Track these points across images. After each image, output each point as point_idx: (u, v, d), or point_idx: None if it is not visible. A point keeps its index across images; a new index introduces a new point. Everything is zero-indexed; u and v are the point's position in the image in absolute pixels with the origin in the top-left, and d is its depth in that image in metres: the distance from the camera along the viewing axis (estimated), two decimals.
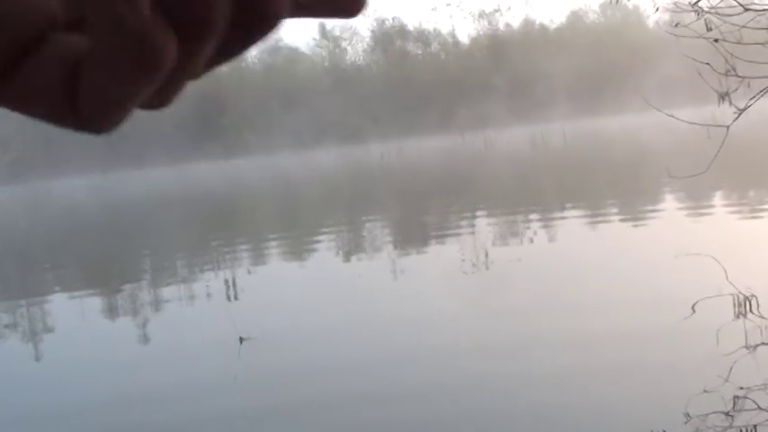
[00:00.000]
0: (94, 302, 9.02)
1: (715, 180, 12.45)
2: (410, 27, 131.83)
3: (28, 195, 54.96)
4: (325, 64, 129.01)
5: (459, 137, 72.55)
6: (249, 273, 9.74)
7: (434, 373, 4.80)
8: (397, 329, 6.00)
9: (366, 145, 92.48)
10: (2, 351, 6.96)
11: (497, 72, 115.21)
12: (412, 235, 11.86)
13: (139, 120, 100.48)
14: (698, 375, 4.29)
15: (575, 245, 9.07)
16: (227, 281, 9.20)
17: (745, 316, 5.33)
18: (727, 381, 4.16)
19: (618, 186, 15.69)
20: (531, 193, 16.23)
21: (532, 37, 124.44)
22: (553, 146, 37.99)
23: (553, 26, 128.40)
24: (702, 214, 10.53)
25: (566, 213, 11.87)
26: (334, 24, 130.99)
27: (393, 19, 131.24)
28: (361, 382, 4.79)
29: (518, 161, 29.51)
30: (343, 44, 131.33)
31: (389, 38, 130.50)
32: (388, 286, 7.93)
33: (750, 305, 5.52)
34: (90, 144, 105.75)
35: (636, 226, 10.22)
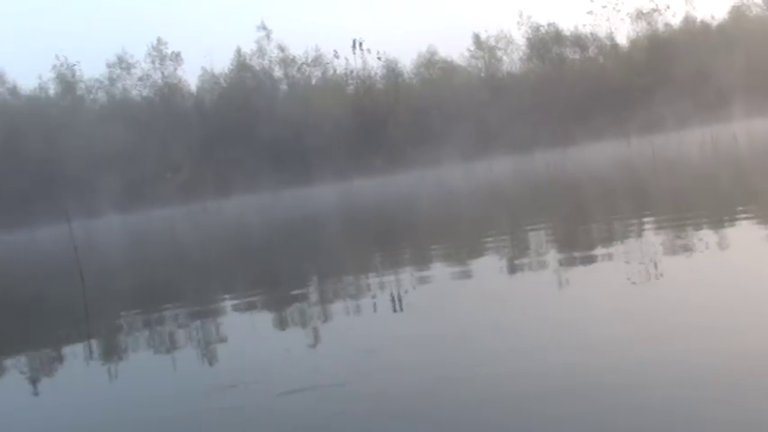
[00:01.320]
0: (260, 315, 9.18)
1: None
2: (566, 32, 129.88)
3: (195, 213, 57.06)
4: (482, 74, 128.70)
5: (625, 142, 70.88)
6: (413, 287, 9.71)
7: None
8: (565, 348, 5.81)
9: (529, 155, 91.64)
10: (176, 359, 7.14)
11: (659, 73, 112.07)
12: (578, 243, 11.57)
13: (305, 139, 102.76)
14: None
15: (759, 257, 8.58)
16: (392, 294, 9.21)
17: None
18: None
19: None
20: (706, 200, 15.61)
21: (694, 35, 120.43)
22: (725, 149, 36.57)
23: (715, 23, 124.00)
24: None
25: (745, 222, 11.31)
26: (489, 34, 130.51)
27: (548, 25, 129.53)
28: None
29: (689, 165, 28.53)
30: (499, 53, 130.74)
31: (545, 44, 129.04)
32: (553, 296, 7.73)
33: None
34: (259, 165, 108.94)
35: None
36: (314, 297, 10.06)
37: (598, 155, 56.62)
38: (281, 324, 8.40)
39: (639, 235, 11.32)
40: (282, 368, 6.28)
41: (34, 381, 7.35)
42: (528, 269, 9.62)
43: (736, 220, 11.21)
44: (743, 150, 32.59)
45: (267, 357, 6.80)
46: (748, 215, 11.55)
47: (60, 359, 8.29)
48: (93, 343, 9.04)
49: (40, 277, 21.71)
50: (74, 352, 8.63)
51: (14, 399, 6.71)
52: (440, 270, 10.73)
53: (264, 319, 8.93)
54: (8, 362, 8.56)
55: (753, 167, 22.06)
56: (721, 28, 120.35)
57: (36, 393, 6.81)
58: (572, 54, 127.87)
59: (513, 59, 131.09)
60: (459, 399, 4.71)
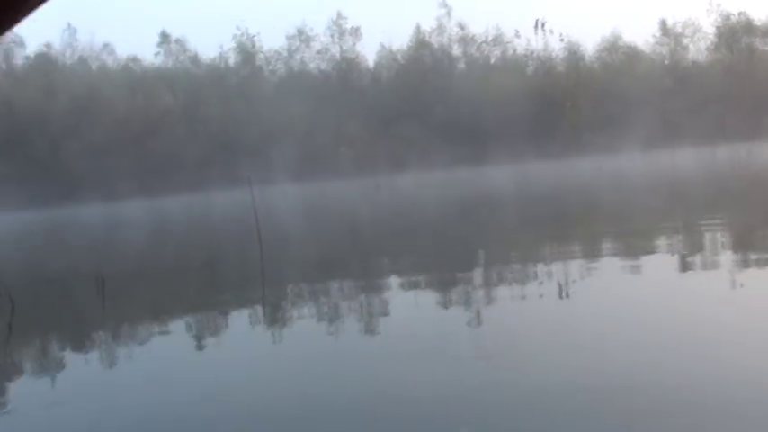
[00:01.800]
0: (425, 294, 9.37)
1: None
2: (757, 22, 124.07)
3: (368, 187, 57.92)
4: (666, 62, 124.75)
5: None
6: (581, 276, 9.68)
7: None
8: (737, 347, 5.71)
9: (713, 147, 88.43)
10: (331, 332, 7.40)
11: None
12: (753, 242, 11.21)
13: (481, 118, 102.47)
14: None
15: None
16: (559, 282, 9.21)
17: None
18: None
19: None
20: None
21: None
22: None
23: None
24: None
25: None
26: (676, 21, 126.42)
27: (739, 14, 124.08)
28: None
29: None
30: (685, 41, 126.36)
31: (735, 34, 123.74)
32: (726, 296, 7.56)
33: None
34: (433, 143, 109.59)
35: None
36: (477, 280, 10.17)
37: None
38: (444, 303, 8.56)
39: None
40: (441, 341, 6.44)
41: (203, 338, 7.79)
42: (701, 267, 9.42)
43: None
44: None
45: (431, 330, 6.96)
46: None
47: (240, 318, 8.74)
48: (268, 307, 9.46)
49: (221, 239, 22.66)
50: (251, 313, 9.07)
51: (190, 354, 7.15)
52: (607, 262, 10.64)
53: (428, 297, 9.12)
54: (188, 318, 9.09)
55: None
56: None
57: (203, 349, 7.23)
58: (762, 45, 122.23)
59: (699, 48, 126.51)
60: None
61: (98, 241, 27.50)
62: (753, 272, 8.67)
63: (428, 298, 9.06)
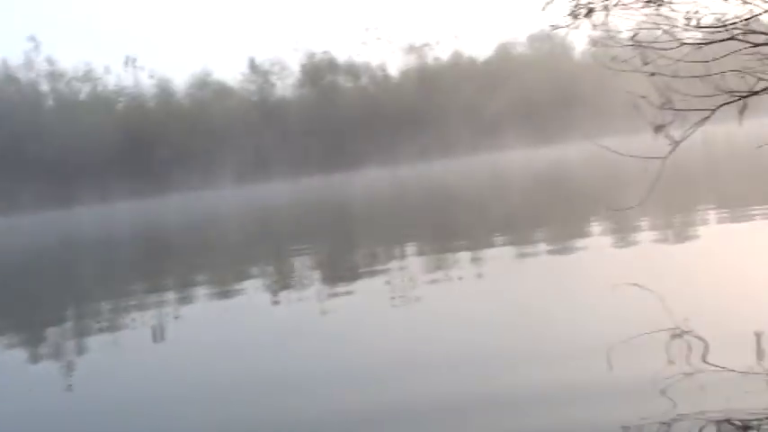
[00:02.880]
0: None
1: (651, 208, 12.35)
2: (340, 61, 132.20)
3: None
4: (254, 98, 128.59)
5: (394, 169, 72.68)
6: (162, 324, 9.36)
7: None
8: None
9: (304, 178, 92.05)
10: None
11: (428, 104, 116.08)
12: (338, 271, 11.57)
13: (69, 157, 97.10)
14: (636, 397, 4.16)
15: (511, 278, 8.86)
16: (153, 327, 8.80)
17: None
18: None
19: (553, 218, 15.59)
20: (467, 228, 16.09)
21: (462, 69, 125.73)
22: (482, 180, 38.08)
23: (482, 58, 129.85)
24: (631, 243, 10.43)
25: (496, 248, 11.72)
26: (264, 59, 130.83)
27: (323, 53, 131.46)
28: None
29: (456, 193, 29.47)
30: (273, 78, 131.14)
31: (319, 71, 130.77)
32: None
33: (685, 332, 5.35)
34: (21, 182, 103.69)
35: (569, 259, 10.07)
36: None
37: (372, 179, 57.50)
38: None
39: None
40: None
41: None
42: (288, 298, 9.46)
43: (495, 243, 11.55)
44: (507, 179, 34.06)
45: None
46: (505, 238, 11.93)
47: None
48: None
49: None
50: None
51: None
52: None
53: None
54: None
55: (501, 194, 23.00)
56: (488, 63, 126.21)
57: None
58: (345, 82, 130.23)
59: (286, 85, 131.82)
60: None
61: None
62: (336, 301, 8.85)
63: None
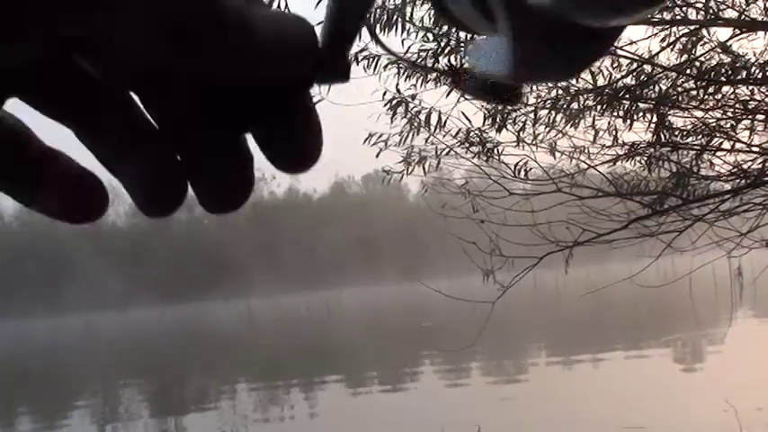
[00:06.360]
0: None
1: (481, 350, 12.53)
2: None
3: None
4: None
5: (224, 304, 71.76)
6: None
7: None
8: None
9: (137, 310, 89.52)
10: None
11: (260, 240, 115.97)
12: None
13: None
14: None
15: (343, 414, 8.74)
16: None
17: None
18: None
19: (383, 358, 15.59)
20: (290, 365, 15.94)
21: (296, 205, 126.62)
22: (316, 317, 37.99)
23: (317, 196, 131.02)
24: (462, 385, 10.52)
25: (325, 385, 11.64)
26: None
27: None
28: None
29: (283, 330, 29.25)
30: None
31: None
32: None
33: None
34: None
35: (398, 396, 10.03)
36: None
37: (196, 314, 56.37)
38: None
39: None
40: None
41: None
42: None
43: (325, 381, 11.38)
44: (333, 317, 33.96)
45: None
46: (337, 376, 11.77)
47: None
48: None
49: None
50: None
51: None
52: None
53: None
54: None
55: (335, 333, 22.92)
56: (322, 201, 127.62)
57: None
58: (178, 213, 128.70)
59: (118, 213, 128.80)
60: None
61: None
62: None
63: None
